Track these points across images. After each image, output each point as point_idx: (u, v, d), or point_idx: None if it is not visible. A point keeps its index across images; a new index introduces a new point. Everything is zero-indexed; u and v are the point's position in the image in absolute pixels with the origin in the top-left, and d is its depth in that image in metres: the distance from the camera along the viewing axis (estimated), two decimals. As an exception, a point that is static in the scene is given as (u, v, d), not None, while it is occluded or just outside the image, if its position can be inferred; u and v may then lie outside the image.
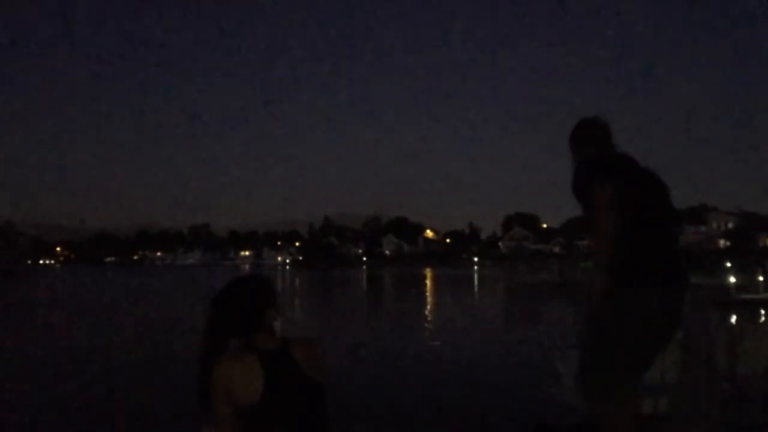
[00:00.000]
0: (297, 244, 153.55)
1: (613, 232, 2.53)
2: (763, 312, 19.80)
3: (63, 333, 17.46)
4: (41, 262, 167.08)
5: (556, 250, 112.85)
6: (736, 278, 23.40)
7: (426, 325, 18.68)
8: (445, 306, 26.48)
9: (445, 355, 12.36)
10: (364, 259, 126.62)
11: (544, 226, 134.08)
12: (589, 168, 2.71)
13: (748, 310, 19.83)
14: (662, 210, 2.74)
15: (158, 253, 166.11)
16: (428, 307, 25.70)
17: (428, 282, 47.73)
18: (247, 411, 1.90)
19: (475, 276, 57.25)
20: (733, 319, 18.29)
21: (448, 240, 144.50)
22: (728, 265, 28.64)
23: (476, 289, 39.02)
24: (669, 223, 2.77)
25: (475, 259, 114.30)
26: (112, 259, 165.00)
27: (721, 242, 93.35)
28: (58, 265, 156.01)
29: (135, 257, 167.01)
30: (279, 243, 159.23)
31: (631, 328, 2.56)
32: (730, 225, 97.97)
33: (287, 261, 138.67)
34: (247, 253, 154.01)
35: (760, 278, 23.19)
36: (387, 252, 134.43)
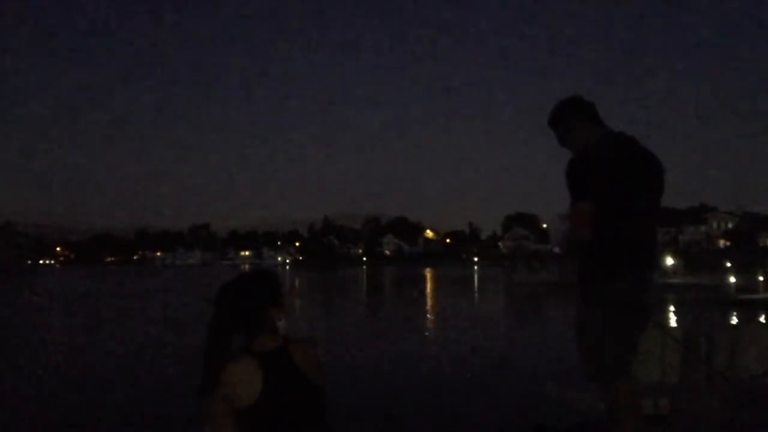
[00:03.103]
0: (297, 244, 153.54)
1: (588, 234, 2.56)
2: (763, 312, 19.79)
3: (63, 333, 17.46)
4: (41, 262, 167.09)
5: (556, 250, 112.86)
6: (736, 278, 23.40)
7: (426, 325, 18.68)
8: (445, 306, 26.48)
9: (445, 355, 12.35)
10: (364, 259, 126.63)
11: (544, 226, 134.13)
12: (579, 161, 2.64)
13: (748, 310, 19.83)
14: (651, 198, 2.69)
15: (158, 253, 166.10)
16: (428, 307, 25.69)
17: (428, 282, 47.72)
18: (245, 413, 1.89)
19: (475, 276, 57.25)
20: (733, 319, 18.30)
21: (448, 240, 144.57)
22: (728, 265, 28.63)
23: (476, 289, 39.01)
24: (654, 212, 2.73)
25: (475, 259, 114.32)
26: (112, 259, 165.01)
27: (721, 242, 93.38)
28: (58, 265, 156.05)
29: (135, 257, 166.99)
30: (279, 243, 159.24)
31: (618, 320, 2.59)
32: (730, 225, 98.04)
33: (287, 261, 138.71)
34: (247, 253, 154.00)
35: (760, 278, 23.19)
36: (387, 252, 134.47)
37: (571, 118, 2.78)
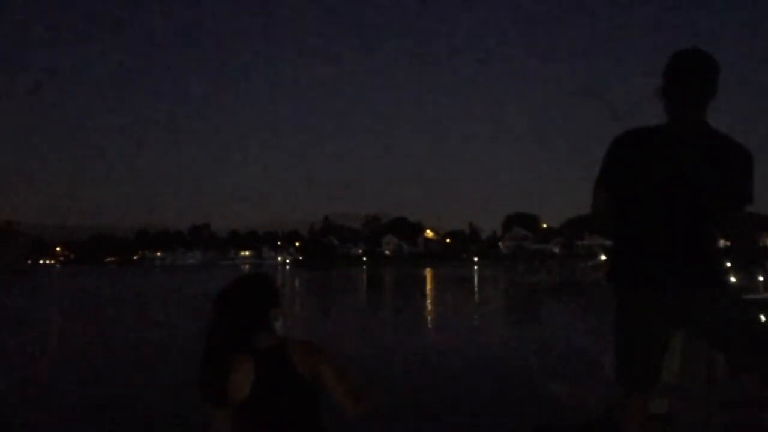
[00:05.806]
0: (297, 244, 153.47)
1: (598, 207, 2.51)
2: (763, 312, 19.79)
3: (63, 334, 17.45)
4: (41, 262, 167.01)
5: (556, 250, 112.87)
6: (736, 278, 23.36)
7: (426, 325, 18.68)
8: (445, 306, 26.48)
9: (445, 355, 12.35)
10: (364, 259, 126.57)
11: (544, 226, 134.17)
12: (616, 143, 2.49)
13: (748, 310, 19.81)
14: (688, 199, 2.44)
15: (158, 253, 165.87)
16: (428, 307, 25.69)
17: (428, 282, 47.70)
18: (237, 408, 1.92)
19: (475, 276, 57.21)
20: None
21: (448, 240, 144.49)
22: (728, 265, 28.58)
23: (476, 289, 39.00)
24: (694, 214, 2.46)
25: (475, 259, 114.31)
26: (112, 259, 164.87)
27: (721, 242, 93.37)
28: (58, 265, 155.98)
29: (135, 257, 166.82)
30: (279, 243, 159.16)
31: (624, 333, 2.54)
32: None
33: (287, 261, 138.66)
34: (247, 253, 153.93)
35: (760, 278, 23.16)
36: (387, 252, 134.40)
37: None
